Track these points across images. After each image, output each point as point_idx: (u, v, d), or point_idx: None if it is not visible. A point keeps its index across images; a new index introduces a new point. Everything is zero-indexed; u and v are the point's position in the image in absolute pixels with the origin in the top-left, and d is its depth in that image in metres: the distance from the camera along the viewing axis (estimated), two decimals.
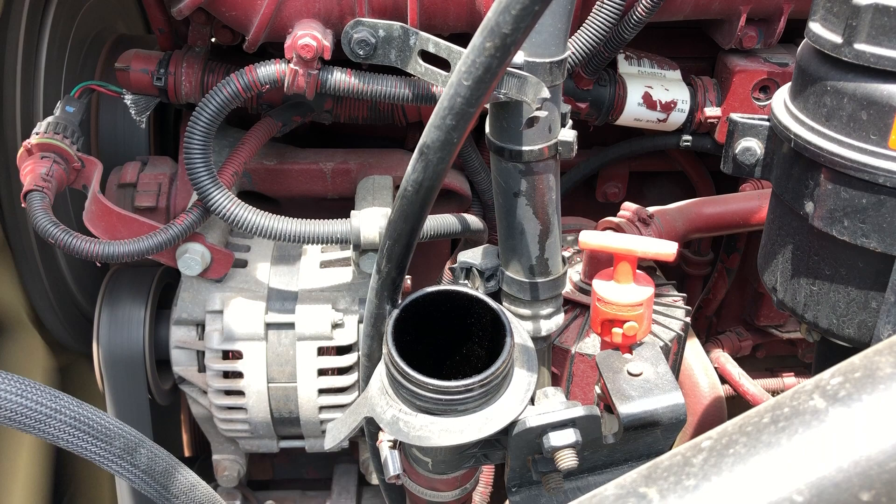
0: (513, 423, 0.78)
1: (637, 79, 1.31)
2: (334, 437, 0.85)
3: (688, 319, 1.29)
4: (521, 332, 0.83)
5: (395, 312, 0.78)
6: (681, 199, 1.39)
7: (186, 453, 1.75)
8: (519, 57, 0.79)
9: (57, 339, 1.45)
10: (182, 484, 0.96)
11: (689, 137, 1.36)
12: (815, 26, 0.82)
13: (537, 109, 0.77)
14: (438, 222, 1.16)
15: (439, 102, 0.61)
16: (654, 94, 1.30)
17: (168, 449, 1.80)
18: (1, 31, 1.28)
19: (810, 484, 0.46)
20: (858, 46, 0.77)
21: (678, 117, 1.32)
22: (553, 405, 0.79)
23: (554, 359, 1.25)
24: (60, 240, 1.04)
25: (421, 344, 0.82)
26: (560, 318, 1.02)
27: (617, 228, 1.27)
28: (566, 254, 1.37)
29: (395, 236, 0.72)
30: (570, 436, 0.78)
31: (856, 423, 0.46)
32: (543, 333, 1.01)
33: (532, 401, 0.81)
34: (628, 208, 1.29)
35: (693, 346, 1.45)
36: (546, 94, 0.77)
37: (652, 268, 1.39)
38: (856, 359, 0.50)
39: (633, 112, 1.30)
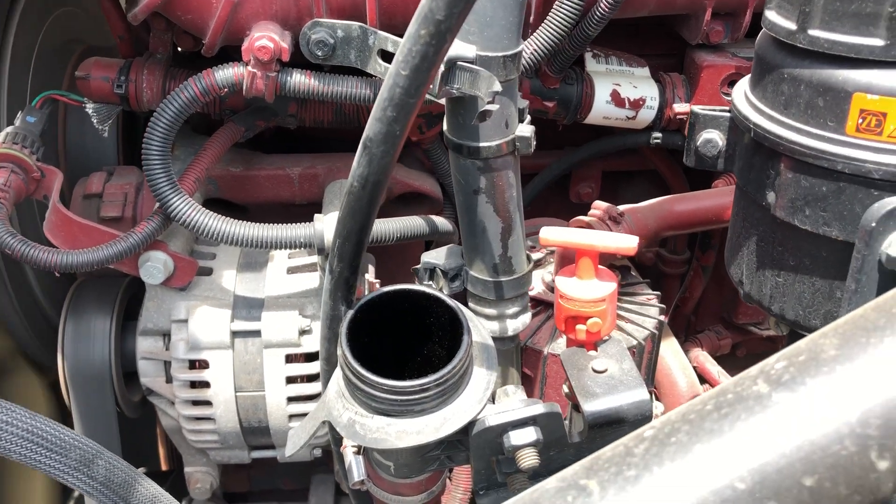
0: (472, 423, 0.76)
1: (605, 77, 1.30)
2: (294, 443, 0.84)
3: (662, 318, 1.28)
4: (480, 330, 0.82)
5: (350, 313, 0.76)
6: (657, 197, 1.38)
7: (163, 467, 1.72)
8: (471, 51, 0.78)
9: (26, 351, 1.43)
10: (142, 495, 0.94)
11: (658, 135, 1.35)
12: (770, 14, 0.82)
13: (489, 103, 0.76)
14: (406, 224, 1.14)
15: (379, 94, 0.60)
16: (622, 91, 1.29)
17: (144, 463, 1.79)
18: None
19: (753, 470, 0.44)
20: (812, 32, 0.76)
21: (647, 114, 1.31)
22: (513, 403, 0.78)
23: (527, 360, 1.24)
24: (17, 250, 1.03)
25: (380, 345, 0.81)
26: (527, 318, 1.01)
27: (587, 227, 1.26)
28: (538, 255, 1.36)
29: (345, 234, 0.70)
30: (530, 434, 0.76)
31: (799, 408, 0.45)
32: (510, 333, 1.00)
33: (492, 400, 0.80)
34: (599, 207, 1.28)
35: (671, 345, 1.43)
36: (498, 87, 0.76)
37: (626, 267, 1.38)
38: (801, 342, 0.49)
39: (602, 110, 1.30)
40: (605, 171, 1.56)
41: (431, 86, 0.77)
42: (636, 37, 1.40)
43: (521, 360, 1.06)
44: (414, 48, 0.55)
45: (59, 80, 1.58)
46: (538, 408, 0.77)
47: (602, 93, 1.29)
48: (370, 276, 1.25)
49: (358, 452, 0.91)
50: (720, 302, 1.63)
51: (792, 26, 0.78)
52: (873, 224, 0.70)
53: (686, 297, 1.59)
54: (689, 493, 0.44)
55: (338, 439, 0.94)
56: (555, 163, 1.49)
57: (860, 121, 0.75)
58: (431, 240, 1.22)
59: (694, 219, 1.33)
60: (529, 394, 1.31)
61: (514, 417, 0.76)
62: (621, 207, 1.30)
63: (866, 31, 0.73)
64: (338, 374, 0.79)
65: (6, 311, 1.37)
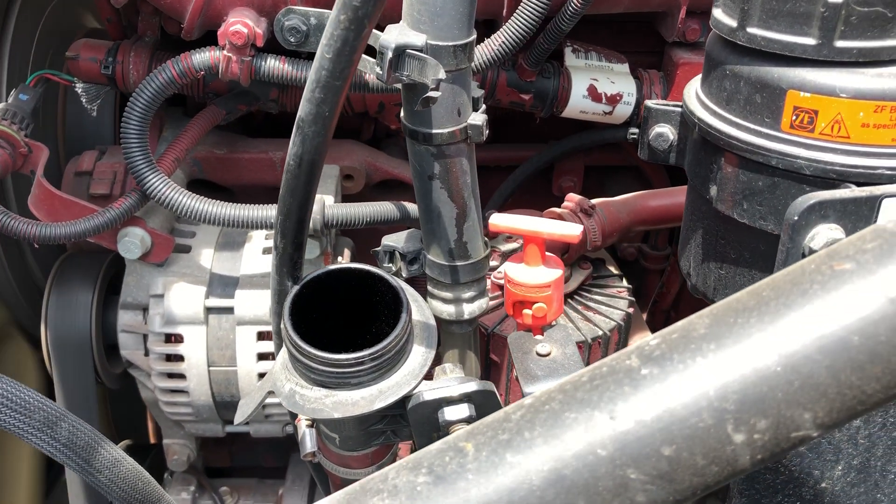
0: (408, 398, 0.79)
1: (583, 71, 1.32)
2: (242, 412, 0.87)
3: (630, 310, 1.30)
4: (423, 309, 0.85)
5: (294, 289, 0.79)
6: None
7: (151, 440, 1.77)
8: (420, 39, 0.80)
9: (20, 322, 1.48)
10: (106, 458, 0.98)
11: (635, 130, 1.37)
12: (716, 12, 0.83)
13: (432, 90, 0.78)
14: (377, 209, 1.17)
15: (309, 76, 0.63)
16: (599, 86, 1.31)
17: (133, 436, 1.83)
18: None
19: (614, 438, 0.47)
20: (751, 30, 0.78)
21: (624, 110, 1.33)
22: (449, 381, 0.81)
23: (494, 346, 1.27)
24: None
25: (331, 322, 0.84)
26: (484, 302, 1.03)
27: (560, 219, 1.28)
28: (514, 244, 1.39)
29: (286, 211, 0.74)
30: (464, 410, 0.79)
31: (662, 381, 0.48)
32: (466, 317, 1.02)
33: (431, 377, 0.83)
34: (572, 199, 1.31)
35: (642, 336, 1.45)
36: (442, 75, 0.78)
37: (601, 260, 1.41)
38: (681, 322, 0.52)
39: (579, 104, 1.32)
40: (588, 165, 1.58)
41: (381, 72, 0.80)
42: (619, 33, 1.41)
43: (478, 343, 1.09)
44: (335, 32, 0.58)
45: (62, 64, 1.63)
46: (472, 385, 0.80)
47: (579, 87, 1.31)
48: (345, 259, 1.29)
49: (311, 425, 0.95)
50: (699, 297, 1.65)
51: (733, 24, 0.80)
52: (795, 217, 0.72)
53: (664, 291, 1.61)
54: (552, 455, 0.47)
55: (294, 413, 0.97)
56: (536, 155, 1.51)
57: (794, 118, 0.77)
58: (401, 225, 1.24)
59: (667, 214, 1.35)
60: (496, 380, 1.34)
61: (448, 394, 0.79)
62: (594, 201, 1.32)
63: (800, 31, 0.75)
64: (284, 350, 0.83)
65: (1, 283, 1.42)
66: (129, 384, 1.41)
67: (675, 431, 0.46)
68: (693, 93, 0.89)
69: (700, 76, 0.92)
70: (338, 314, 0.85)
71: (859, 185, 0.76)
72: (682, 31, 1.27)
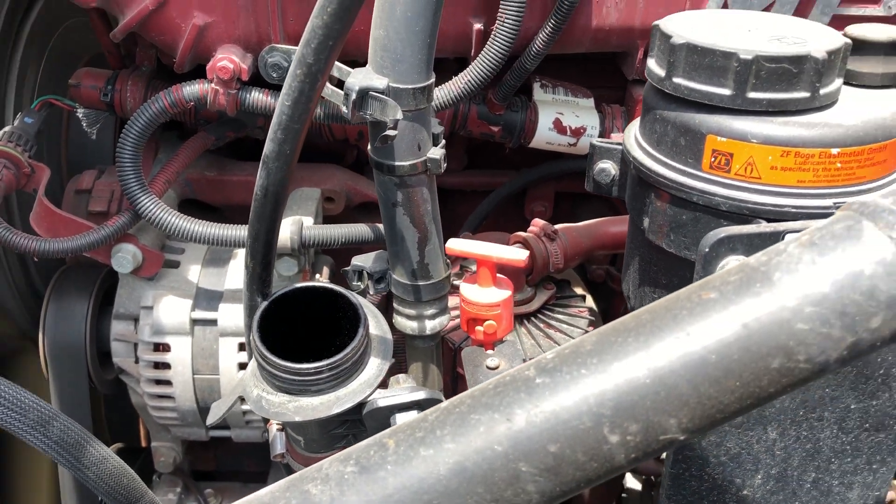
0: (363, 404, 0.88)
1: (550, 105, 1.41)
2: (214, 413, 0.96)
3: (590, 329, 1.39)
4: (381, 324, 0.94)
5: (263, 305, 0.88)
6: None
7: (142, 444, 1.85)
8: (383, 82, 0.89)
9: (31, 336, 1.58)
10: (93, 456, 1.06)
11: None
12: (650, 62, 0.92)
13: (390, 129, 0.87)
14: (351, 230, 1.26)
15: (273, 119, 0.72)
16: (564, 120, 1.40)
17: (126, 440, 1.91)
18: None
19: (509, 437, 0.55)
20: (676, 80, 0.87)
21: (588, 142, 1.42)
22: (402, 390, 0.89)
23: (460, 361, 1.35)
24: (1, 236, 1.16)
25: (299, 335, 0.93)
26: (445, 319, 1.12)
27: (525, 242, 1.37)
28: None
29: (255, 235, 0.82)
30: (413, 416, 0.87)
31: (552, 389, 0.56)
32: (428, 332, 1.11)
33: (386, 386, 0.91)
34: (536, 224, 1.39)
35: None
36: (399, 115, 0.87)
37: (566, 281, 1.49)
38: (575, 339, 0.60)
39: (545, 136, 1.41)
40: (559, 191, 1.67)
41: (346, 110, 0.89)
42: (586, 70, 1.50)
43: (440, 357, 1.17)
44: (293, 84, 0.67)
45: (65, 88, 1.73)
46: (421, 394, 0.88)
47: (545, 120, 1.40)
48: (324, 275, 1.37)
49: (280, 430, 1.03)
50: None
51: (662, 74, 0.89)
52: (707, 249, 0.81)
53: (629, 311, 1.69)
54: (457, 450, 0.55)
55: (266, 418, 1.05)
56: (509, 181, 1.60)
57: (712, 160, 0.86)
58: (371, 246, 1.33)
59: (624, 240, 1.43)
60: (463, 391, 1.42)
61: (399, 401, 0.88)
62: (558, 226, 1.41)
63: (717, 82, 0.84)
64: (252, 361, 0.91)
65: (5, 298, 1.51)
66: (123, 390, 1.50)
67: (559, 431, 0.55)
68: (632, 134, 0.98)
69: (639, 119, 1.01)
70: (305, 327, 0.94)
71: (769, 220, 0.85)
72: (641, 70, 1.36)
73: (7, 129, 1.31)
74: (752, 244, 0.81)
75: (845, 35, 0.92)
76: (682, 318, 0.56)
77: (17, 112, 1.56)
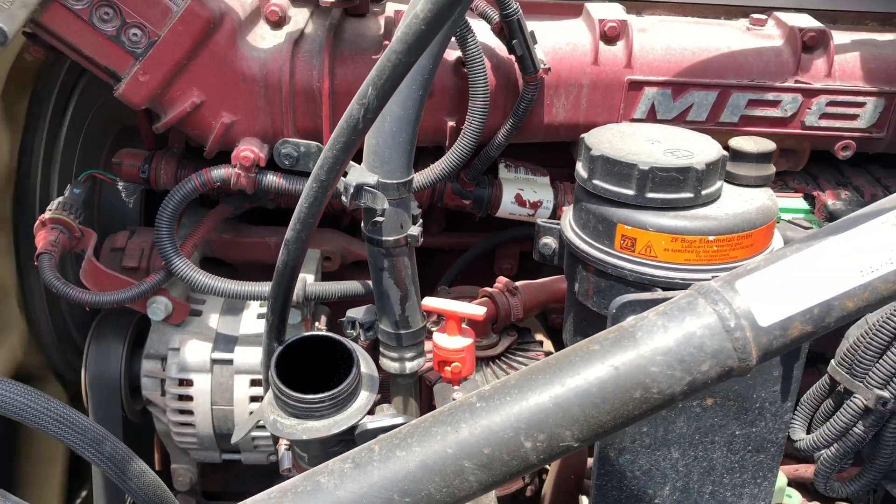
0: (355, 427, 1.13)
1: (512, 183, 1.69)
2: (238, 432, 1.20)
3: None
4: (370, 365, 1.19)
5: (279, 349, 1.13)
6: None
7: (157, 467, 2.08)
8: (373, 178, 1.16)
9: (55, 367, 1.82)
10: (135, 470, 1.30)
11: None
12: (578, 166, 1.19)
13: (378, 216, 1.14)
14: (346, 287, 1.52)
15: (292, 217, 0.98)
16: (524, 195, 1.67)
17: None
18: (30, 129, 1.68)
19: (456, 443, 0.80)
20: (595, 181, 1.14)
21: (544, 213, 1.69)
22: (385, 416, 1.15)
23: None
24: (59, 290, 1.41)
25: (305, 372, 1.18)
26: (422, 361, 1.37)
27: (490, 296, 1.63)
28: None
29: (275, 296, 1.08)
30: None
31: (487, 411, 0.82)
32: (408, 372, 1.36)
33: (373, 412, 1.17)
34: (500, 281, 1.66)
35: None
36: (385, 204, 1.14)
37: (527, 329, 1.75)
38: (507, 376, 0.86)
39: (508, 208, 1.68)
40: (522, 251, 1.94)
41: (345, 200, 1.16)
42: (543, 153, 1.78)
43: (418, 392, 1.43)
44: (309, 193, 0.93)
45: (99, 157, 1.99)
46: (401, 419, 1.13)
47: (508, 195, 1.67)
48: (322, 323, 1.63)
49: (288, 449, 1.28)
50: None
51: (585, 176, 1.16)
52: (614, 310, 1.07)
53: None
54: (422, 452, 0.81)
55: (276, 439, 1.30)
56: (480, 243, 1.87)
57: (622, 242, 1.13)
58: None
59: None
60: None
61: (384, 424, 1.12)
62: (518, 283, 1.67)
63: (624, 185, 1.11)
64: (270, 392, 1.16)
65: (44, 334, 1.76)
66: (148, 419, 1.74)
67: (491, 439, 0.80)
68: (567, 218, 1.25)
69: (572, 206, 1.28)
70: (310, 366, 1.19)
71: (664, 289, 1.11)
72: None
73: (60, 199, 1.56)
74: (649, 307, 1.08)
75: (729, 147, 1.20)
76: (576, 363, 0.82)
77: (61, 179, 1.83)
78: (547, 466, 1.69)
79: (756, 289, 0.82)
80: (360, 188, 1.15)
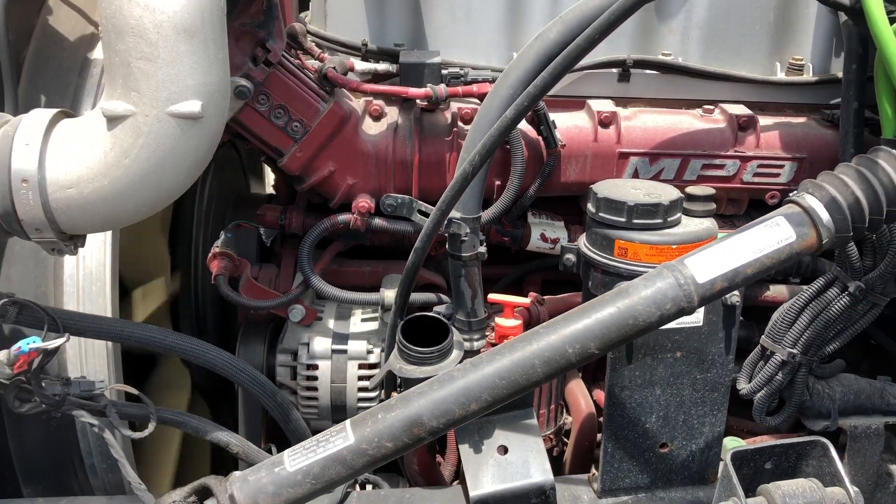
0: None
1: (538, 225, 2.31)
2: (374, 380, 1.79)
3: None
4: (458, 336, 1.79)
5: (402, 322, 1.73)
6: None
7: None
8: (458, 214, 1.79)
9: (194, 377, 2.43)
10: (293, 416, 1.90)
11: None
12: (588, 205, 1.82)
13: (463, 238, 1.76)
14: (425, 296, 2.13)
15: (422, 231, 1.60)
16: (547, 234, 2.29)
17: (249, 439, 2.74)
18: (189, 203, 2.33)
19: (514, 357, 1.41)
20: (600, 213, 1.77)
21: (560, 246, 2.31)
22: None
23: None
24: (232, 297, 2.02)
25: (418, 336, 1.77)
26: (483, 342, 1.97)
27: (525, 307, 2.24)
28: None
29: (401, 293, 1.70)
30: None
31: (542, 339, 1.42)
32: (476, 348, 1.96)
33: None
34: (531, 295, 2.27)
35: (578, 382, 2.37)
36: (467, 230, 1.76)
37: None
38: (554, 319, 1.46)
39: (535, 244, 2.30)
40: (544, 279, 2.55)
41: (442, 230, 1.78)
42: (561, 202, 2.40)
43: None
44: (419, 244, 1.55)
45: (224, 215, 2.64)
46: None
47: (535, 234, 2.29)
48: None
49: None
50: None
51: (594, 210, 1.78)
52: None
53: None
54: (399, 416, 1.40)
55: (391, 389, 1.89)
56: (513, 271, 2.49)
57: (618, 251, 1.74)
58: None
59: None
60: None
61: None
62: (545, 297, 2.28)
63: (618, 215, 1.73)
64: (395, 350, 1.76)
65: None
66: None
67: (548, 349, 1.40)
68: (582, 239, 1.87)
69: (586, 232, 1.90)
70: (420, 335, 1.79)
71: None
72: None
73: (221, 239, 2.19)
74: None
75: (685, 192, 1.83)
76: (596, 306, 1.43)
77: (201, 230, 2.47)
78: (565, 439, 2.26)
79: (696, 263, 1.44)
80: (451, 220, 1.77)
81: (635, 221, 1.71)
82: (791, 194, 1.51)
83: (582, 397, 2.29)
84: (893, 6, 1.77)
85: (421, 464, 1.96)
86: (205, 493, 1.38)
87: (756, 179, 2.22)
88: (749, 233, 1.46)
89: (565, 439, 2.26)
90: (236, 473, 1.39)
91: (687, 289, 1.40)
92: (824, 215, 1.45)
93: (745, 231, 1.47)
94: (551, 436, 2.16)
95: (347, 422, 1.40)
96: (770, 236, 1.45)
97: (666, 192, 1.78)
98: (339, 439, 1.38)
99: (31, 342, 1.44)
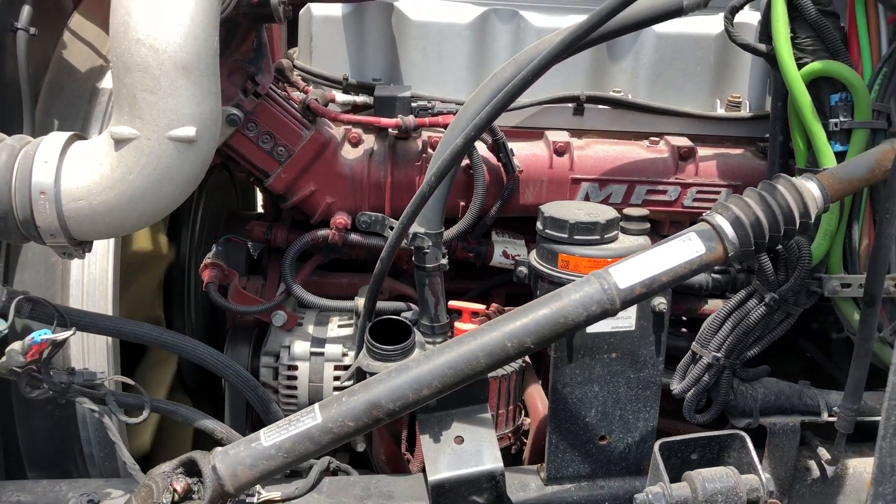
0: None
1: (500, 243, 2.52)
2: (345, 375, 2.00)
3: (524, 363, 2.44)
4: (420, 337, 2.00)
5: (370, 323, 1.94)
6: None
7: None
8: (422, 230, 2.01)
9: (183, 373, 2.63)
10: (273, 409, 2.10)
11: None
12: (538, 223, 2.04)
13: (426, 251, 1.98)
14: (395, 305, 2.34)
15: (386, 244, 1.82)
16: (508, 251, 2.51)
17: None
18: (189, 221, 2.55)
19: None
20: (546, 230, 1.98)
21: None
22: None
23: None
24: (220, 303, 2.23)
25: (386, 338, 1.98)
26: None
27: (486, 314, 2.45)
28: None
29: (369, 298, 1.91)
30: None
31: (484, 334, 1.63)
32: None
33: None
34: (493, 306, 2.48)
35: (536, 386, 2.58)
36: (430, 244, 1.98)
37: None
38: (497, 318, 1.68)
39: (498, 259, 2.51)
40: (507, 292, 2.76)
41: (406, 241, 2.00)
42: (521, 223, 2.62)
43: None
44: (396, 231, 1.77)
45: (215, 231, 2.85)
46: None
47: (498, 251, 2.50)
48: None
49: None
50: None
51: (541, 227, 2.00)
52: None
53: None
54: (360, 399, 1.61)
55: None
56: (478, 285, 2.70)
57: (562, 264, 1.96)
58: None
59: None
60: None
61: None
62: (506, 309, 2.49)
63: (561, 231, 1.95)
64: (364, 348, 1.97)
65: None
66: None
67: (490, 343, 1.61)
68: (532, 254, 2.09)
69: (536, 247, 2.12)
70: (385, 335, 2.00)
71: None
72: None
73: (213, 251, 2.40)
74: None
75: (623, 213, 2.06)
76: (534, 307, 1.64)
77: (195, 244, 2.69)
78: (524, 438, 2.46)
79: (619, 272, 1.66)
80: (415, 234, 1.99)
81: (576, 237, 1.93)
82: (703, 214, 1.73)
83: (539, 400, 2.49)
84: (803, 54, 2.01)
85: (387, 453, 2.16)
86: (191, 465, 1.58)
87: (696, 204, 2.44)
88: (665, 246, 1.69)
89: (524, 439, 2.46)
90: (219, 448, 1.59)
91: (610, 293, 1.62)
92: (730, 232, 1.67)
93: (662, 245, 1.69)
94: (510, 434, 2.35)
95: (316, 404, 1.61)
96: (683, 249, 1.67)
97: (604, 213, 2.00)
98: (309, 419, 1.59)
99: (43, 333, 1.65)
